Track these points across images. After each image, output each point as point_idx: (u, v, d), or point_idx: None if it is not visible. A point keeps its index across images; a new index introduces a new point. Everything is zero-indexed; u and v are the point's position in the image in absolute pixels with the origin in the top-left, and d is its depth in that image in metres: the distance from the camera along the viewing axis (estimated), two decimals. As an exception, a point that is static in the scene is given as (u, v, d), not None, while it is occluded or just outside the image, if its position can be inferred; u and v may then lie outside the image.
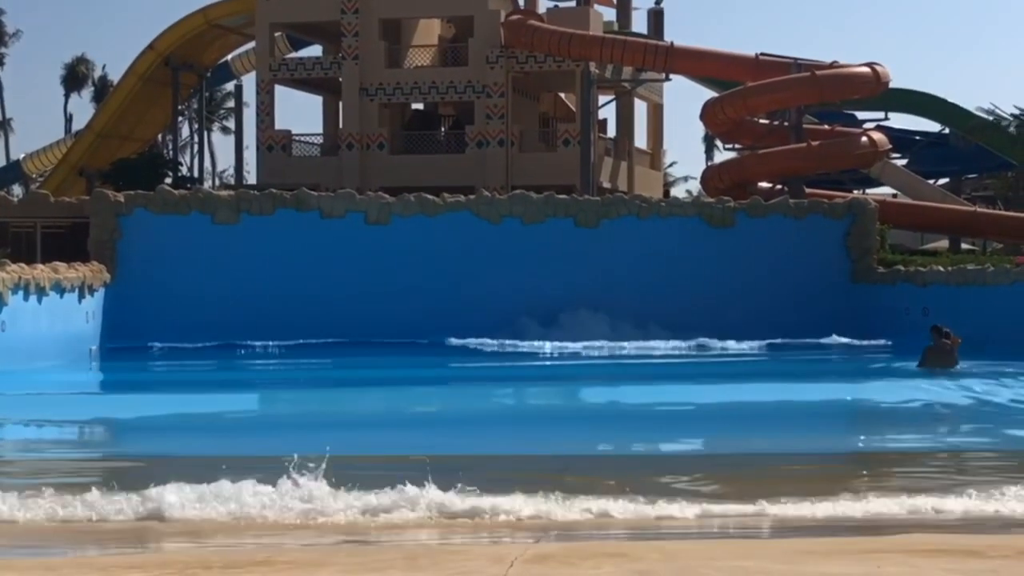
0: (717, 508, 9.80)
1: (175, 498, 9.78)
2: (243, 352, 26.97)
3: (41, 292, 23.84)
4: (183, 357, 26.26)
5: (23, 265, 23.84)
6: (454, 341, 27.78)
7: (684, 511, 9.62)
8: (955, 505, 9.85)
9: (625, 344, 27.68)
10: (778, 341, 28.06)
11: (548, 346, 27.71)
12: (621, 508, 9.68)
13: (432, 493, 9.78)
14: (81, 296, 26.00)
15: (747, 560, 7.18)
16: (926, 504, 9.83)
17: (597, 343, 27.69)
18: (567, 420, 17.56)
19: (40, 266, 24.63)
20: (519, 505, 9.67)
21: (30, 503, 9.76)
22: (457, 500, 9.72)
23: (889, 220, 34.16)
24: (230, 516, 9.52)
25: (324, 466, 10.11)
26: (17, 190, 57.96)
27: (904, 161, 48.75)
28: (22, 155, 58.87)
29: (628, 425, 16.75)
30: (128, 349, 26.53)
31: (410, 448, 13.61)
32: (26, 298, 23.23)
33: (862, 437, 15.91)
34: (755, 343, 28.07)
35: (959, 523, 9.31)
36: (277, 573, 6.89)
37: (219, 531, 9.16)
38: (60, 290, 24.83)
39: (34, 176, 57.42)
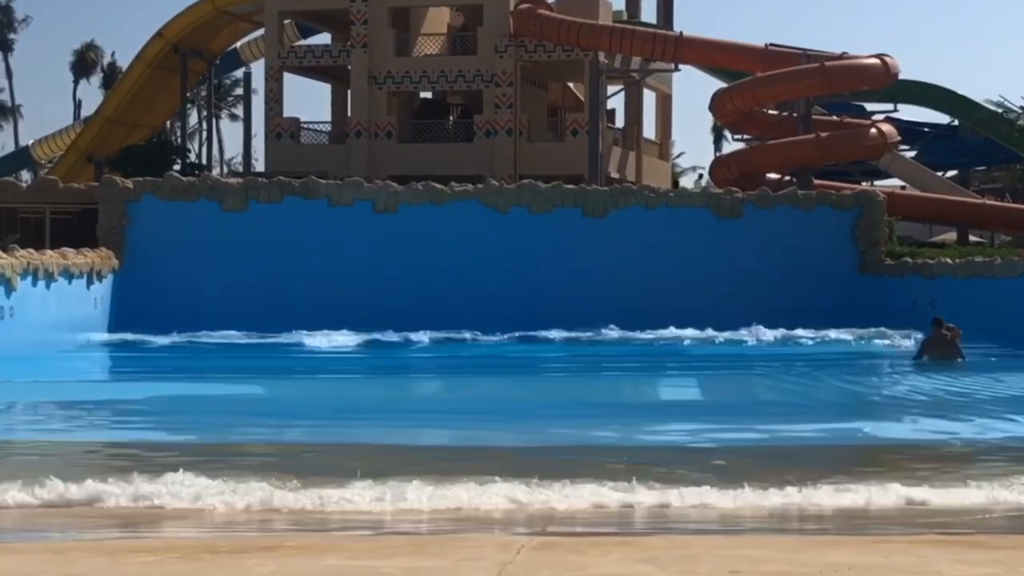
0: (718, 499, 9.73)
1: (173, 486, 9.81)
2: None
3: (49, 278, 23.88)
4: (193, 345, 26.22)
5: (32, 251, 23.87)
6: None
7: (684, 500, 9.56)
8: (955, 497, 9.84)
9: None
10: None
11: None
12: (623, 498, 9.63)
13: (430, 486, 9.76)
14: (90, 282, 26.06)
15: (754, 549, 7.19)
16: (925, 495, 9.80)
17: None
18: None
19: (49, 252, 24.66)
20: (521, 494, 9.64)
21: (34, 488, 9.75)
22: (462, 491, 9.68)
23: (897, 212, 34.12)
24: (227, 506, 9.46)
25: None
26: (26, 176, 58.00)
27: (912, 153, 48.64)
28: (31, 141, 58.95)
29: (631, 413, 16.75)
30: (135, 335, 26.52)
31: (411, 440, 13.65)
32: (34, 284, 23.28)
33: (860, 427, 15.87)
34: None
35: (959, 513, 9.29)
36: (285, 557, 6.90)
37: (221, 519, 9.15)
38: (68, 276, 24.88)
39: (43, 162, 57.45)
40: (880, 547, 7.33)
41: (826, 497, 9.73)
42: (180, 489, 9.77)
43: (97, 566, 6.65)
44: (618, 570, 6.37)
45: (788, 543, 7.59)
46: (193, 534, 8.51)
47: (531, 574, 6.26)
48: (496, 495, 9.59)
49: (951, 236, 46.12)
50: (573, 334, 27.68)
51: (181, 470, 10.20)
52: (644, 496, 9.68)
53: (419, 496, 9.51)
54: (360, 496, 9.54)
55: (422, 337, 26.62)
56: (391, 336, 26.64)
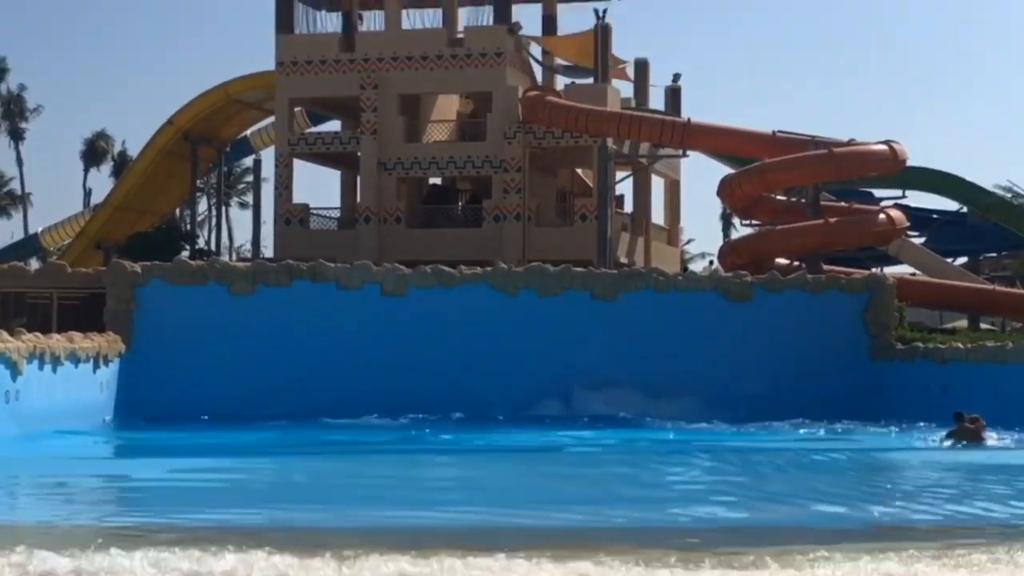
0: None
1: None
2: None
3: (56, 362, 23.79)
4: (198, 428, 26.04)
5: (38, 334, 23.80)
6: None
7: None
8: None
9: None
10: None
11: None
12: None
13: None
14: (96, 366, 25.95)
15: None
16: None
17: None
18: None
19: (55, 336, 24.59)
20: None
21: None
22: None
23: (907, 297, 34.00)
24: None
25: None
26: (35, 263, 58.12)
27: (922, 239, 48.69)
28: (40, 228, 59.19)
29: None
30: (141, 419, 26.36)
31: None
32: (41, 367, 23.18)
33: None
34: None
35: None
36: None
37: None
38: (75, 360, 24.79)
39: (52, 249, 57.65)
40: None
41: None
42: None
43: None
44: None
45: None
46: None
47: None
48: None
49: (962, 323, 45.95)
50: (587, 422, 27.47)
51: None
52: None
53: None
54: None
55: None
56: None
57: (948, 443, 23.64)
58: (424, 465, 20.96)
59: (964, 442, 23.48)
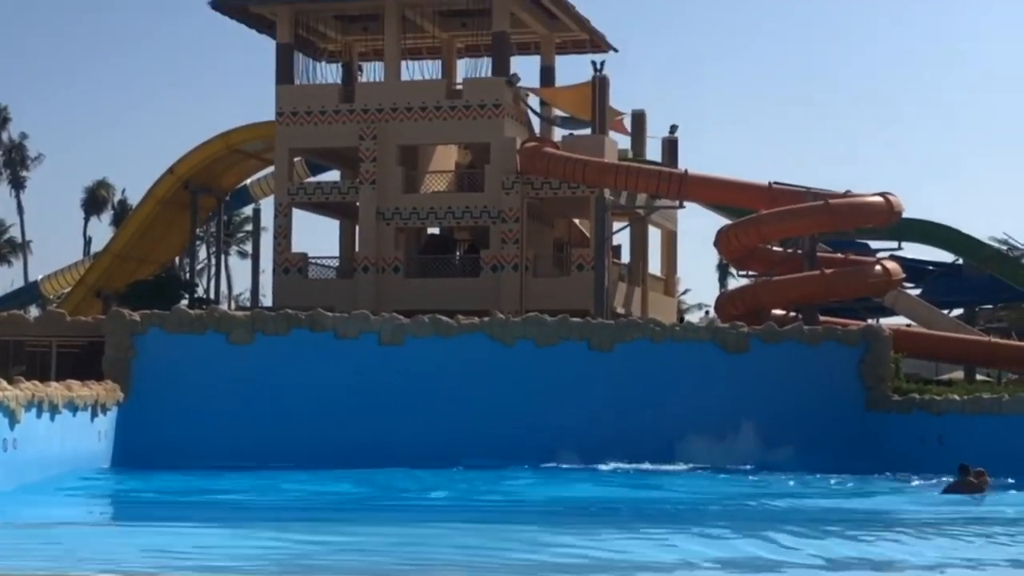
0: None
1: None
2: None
3: (54, 410, 23.82)
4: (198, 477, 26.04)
5: (36, 383, 23.86)
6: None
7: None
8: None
9: None
10: None
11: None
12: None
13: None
14: (94, 415, 26.01)
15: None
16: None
17: None
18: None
19: (54, 384, 24.66)
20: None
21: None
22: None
23: (903, 349, 34.10)
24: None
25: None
26: (34, 311, 58.22)
27: (918, 291, 48.85)
28: (39, 276, 59.36)
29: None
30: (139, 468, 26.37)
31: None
32: (39, 416, 23.20)
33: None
34: None
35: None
36: None
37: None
38: (73, 408, 24.83)
39: (51, 297, 57.76)
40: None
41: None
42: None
43: None
44: None
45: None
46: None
47: None
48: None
49: (958, 374, 46.04)
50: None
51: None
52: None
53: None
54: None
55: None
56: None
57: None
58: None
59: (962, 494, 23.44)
